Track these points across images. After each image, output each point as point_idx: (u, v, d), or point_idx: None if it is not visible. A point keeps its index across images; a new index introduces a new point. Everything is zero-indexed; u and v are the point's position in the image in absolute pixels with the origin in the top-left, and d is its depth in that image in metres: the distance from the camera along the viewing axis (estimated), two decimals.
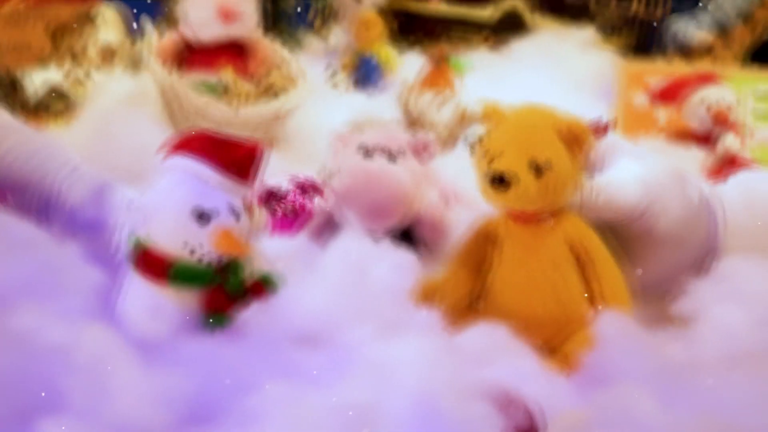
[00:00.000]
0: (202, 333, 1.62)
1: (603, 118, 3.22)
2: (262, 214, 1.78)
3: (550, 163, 1.61)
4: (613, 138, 1.87)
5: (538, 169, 1.61)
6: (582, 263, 1.71)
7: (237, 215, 1.64)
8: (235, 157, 1.65)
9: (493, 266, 1.75)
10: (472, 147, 2.72)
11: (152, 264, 1.64)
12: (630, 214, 1.77)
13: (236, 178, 1.65)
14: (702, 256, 1.86)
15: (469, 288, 1.77)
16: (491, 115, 1.70)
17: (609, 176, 1.78)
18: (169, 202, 1.63)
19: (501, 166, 1.61)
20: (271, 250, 1.86)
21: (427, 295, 1.79)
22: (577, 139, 1.63)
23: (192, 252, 1.62)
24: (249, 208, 1.73)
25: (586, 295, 1.71)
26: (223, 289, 1.65)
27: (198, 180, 1.64)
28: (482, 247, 1.77)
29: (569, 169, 1.64)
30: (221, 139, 1.69)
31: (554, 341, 1.71)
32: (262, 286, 1.68)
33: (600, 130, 1.70)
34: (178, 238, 1.62)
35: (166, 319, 1.63)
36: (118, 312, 1.67)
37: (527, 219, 1.68)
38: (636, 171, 1.79)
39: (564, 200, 1.68)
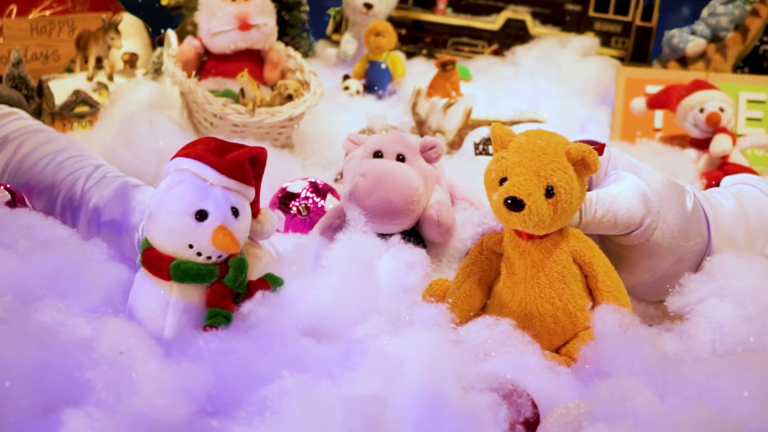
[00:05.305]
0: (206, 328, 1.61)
1: (603, 124, 3.28)
2: (272, 216, 1.76)
3: (562, 187, 1.60)
4: (609, 150, 1.86)
5: (550, 193, 1.60)
6: (584, 273, 1.71)
7: (236, 213, 1.62)
8: (234, 158, 1.62)
9: (501, 277, 1.74)
10: (477, 148, 2.72)
11: (156, 261, 1.62)
12: (629, 226, 1.76)
13: (236, 177, 1.63)
14: (697, 262, 1.86)
15: (478, 300, 1.76)
16: (501, 136, 1.68)
17: (607, 189, 1.77)
18: (169, 201, 1.61)
19: (516, 188, 1.60)
20: (283, 246, 1.86)
21: (435, 296, 1.79)
22: (586, 164, 1.62)
23: (191, 248, 1.60)
24: (257, 210, 1.73)
25: (590, 304, 1.71)
26: (224, 285, 1.63)
27: (198, 179, 1.62)
28: (488, 259, 1.76)
29: (578, 193, 1.63)
30: (223, 143, 1.67)
31: (561, 347, 1.72)
32: (266, 284, 1.67)
33: (597, 150, 1.69)
34: (178, 236, 1.60)
35: (171, 316, 1.63)
36: (128, 308, 1.67)
37: (533, 235, 1.68)
38: (634, 183, 1.78)
39: (569, 220, 1.67)
